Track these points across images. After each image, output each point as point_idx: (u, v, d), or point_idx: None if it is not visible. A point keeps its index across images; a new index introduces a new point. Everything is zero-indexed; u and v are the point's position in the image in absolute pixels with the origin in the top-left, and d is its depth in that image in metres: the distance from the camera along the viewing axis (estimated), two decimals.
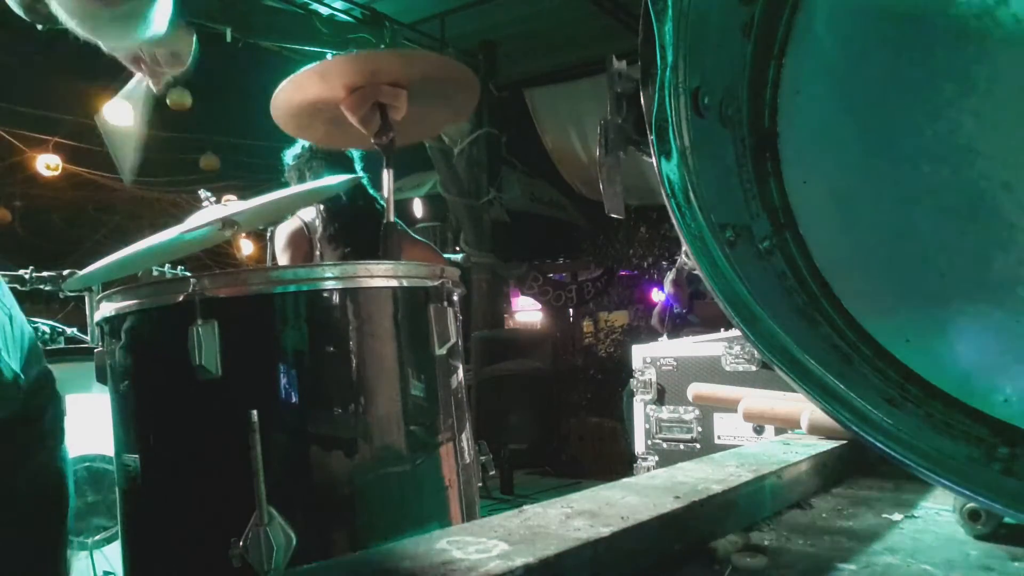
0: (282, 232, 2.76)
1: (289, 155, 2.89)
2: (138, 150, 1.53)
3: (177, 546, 1.29)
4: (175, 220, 1.72)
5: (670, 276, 4.40)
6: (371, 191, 2.82)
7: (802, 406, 1.18)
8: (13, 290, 2.45)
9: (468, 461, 1.46)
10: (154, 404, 1.32)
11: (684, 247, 0.74)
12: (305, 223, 2.76)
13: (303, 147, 2.82)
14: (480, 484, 1.54)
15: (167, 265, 2.61)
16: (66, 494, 1.27)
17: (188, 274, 2.44)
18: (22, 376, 1.16)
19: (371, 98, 1.92)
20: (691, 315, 4.35)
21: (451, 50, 6.14)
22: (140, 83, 1.46)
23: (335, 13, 5.55)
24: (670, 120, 0.70)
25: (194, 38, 1.39)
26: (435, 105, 2.10)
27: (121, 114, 1.53)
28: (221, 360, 1.19)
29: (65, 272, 2.58)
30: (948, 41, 0.69)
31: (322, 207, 2.73)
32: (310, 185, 2.50)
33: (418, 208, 9.59)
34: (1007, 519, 0.74)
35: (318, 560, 0.61)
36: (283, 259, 2.73)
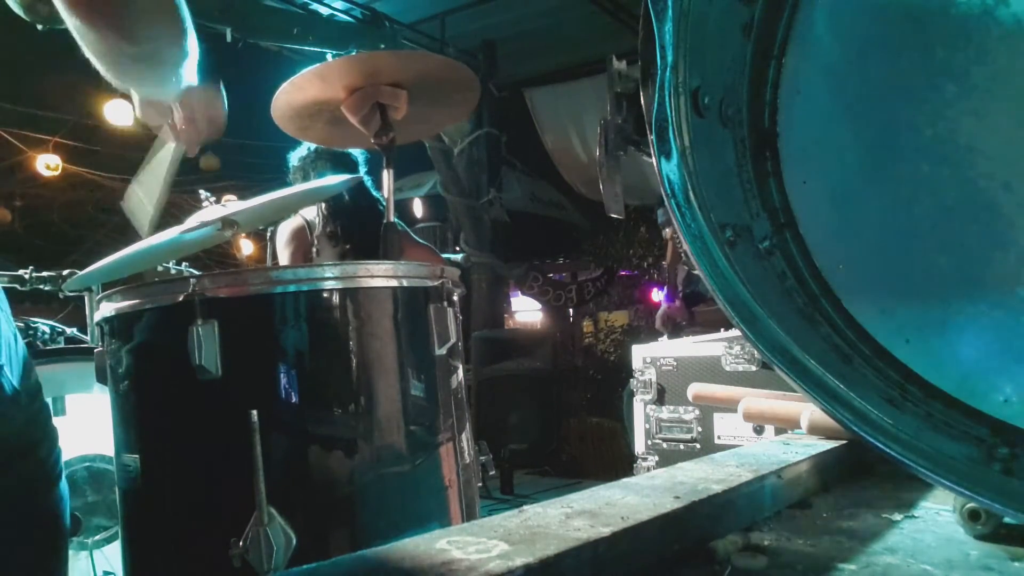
0: (284, 229, 2.77)
1: (294, 156, 2.90)
2: (159, 211, 1.54)
3: (177, 546, 1.29)
4: (175, 220, 1.72)
5: (662, 312, 4.36)
6: (374, 192, 2.83)
7: (802, 406, 1.17)
8: (13, 290, 2.46)
9: (468, 461, 1.46)
10: (154, 404, 1.32)
11: (684, 247, 0.74)
12: (307, 221, 2.76)
13: (308, 148, 2.83)
14: (480, 484, 1.54)
15: (171, 262, 2.61)
16: (63, 536, 1.27)
17: (192, 271, 2.44)
18: (22, 393, 1.16)
19: (371, 99, 1.92)
20: (694, 320, 4.34)
21: (451, 50, 6.14)
22: (169, 144, 1.46)
23: (335, 13, 5.55)
24: (670, 120, 0.70)
25: (224, 97, 1.39)
26: (435, 105, 2.10)
27: (152, 175, 1.53)
28: (221, 360, 1.19)
29: (65, 272, 2.58)
30: (948, 41, 0.69)
31: (323, 205, 2.74)
32: (309, 185, 2.50)
33: (418, 208, 9.59)
34: (1007, 519, 0.74)
35: (318, 560, 0.60)
36: (284, 256, 2.74)
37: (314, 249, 2.73)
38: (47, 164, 9.17)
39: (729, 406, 1.41)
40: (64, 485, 1.27)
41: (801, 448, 1.05)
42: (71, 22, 0.95)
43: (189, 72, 1.22)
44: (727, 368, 2.69)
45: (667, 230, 4.55)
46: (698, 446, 2.76)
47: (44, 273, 2.57)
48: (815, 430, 1.14)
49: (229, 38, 4.70)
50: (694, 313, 4.32)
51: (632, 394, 2.99)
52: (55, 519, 1.24)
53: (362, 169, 2.90)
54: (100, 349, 1.42)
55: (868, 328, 0.71)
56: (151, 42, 1.03)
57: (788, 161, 0.77)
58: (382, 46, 5.34)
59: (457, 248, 7.11)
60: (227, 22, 4.65)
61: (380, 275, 1.32)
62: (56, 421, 1.33)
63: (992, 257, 0.67)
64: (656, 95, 0.70)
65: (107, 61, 1.04)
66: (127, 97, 1.30)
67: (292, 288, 1.25)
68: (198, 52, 1.18)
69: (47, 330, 2.48)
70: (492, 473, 1.58)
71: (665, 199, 0.70)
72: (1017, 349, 0.65)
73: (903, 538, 0.79)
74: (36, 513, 1.21)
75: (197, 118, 1.36)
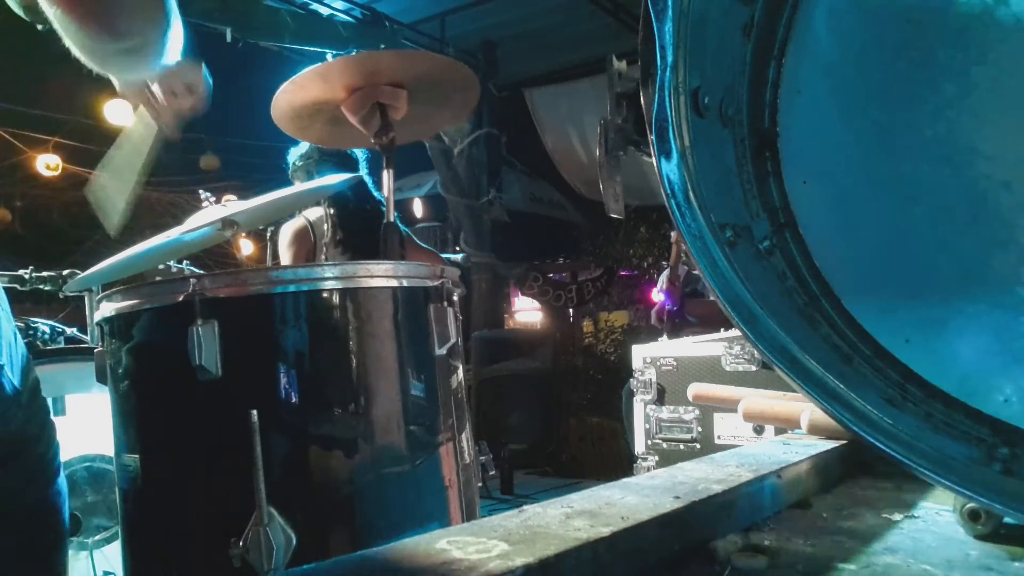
0: (286, 230, 2.76)
1: (294, 154, 2.89)
2: (130, 204, 1.49)
3: (177, 546, 1.29)
4: (175, 220, 1.72)
5: (665, 274, 4.43)
6: (375, 193, 2.83)
7: (802, 406, 1.17)
8: (13, 290, 2.46)
9: (468, 461, 1.46)
10: (154, 404, 1.32)
11: (684, 247, 0.74)
12: (310, 222, 2.76)
13: (309, 147, 2.82)
14: (480, 484, 1.54)
15: (172, 259, 2.61)
16: (62, 532, 1.27)
17: (194, 269, 2.44)
18: (23, 392, 1.16)
19: (371, 98, 1.92)
20: (688, 314, 4.37)
21: (451, 50, 6.14)
22: (148, 125, 1.42)
23: (335, 13, 5.55)
24: (670, 120, 0.70)
25: (204, 70, 1.36)
26: (435, 105, 2.10)
27: (124, 162, 1.48)
28: (221, 360, 1.19)
29: (65, 272, 2.58)
30: (948, 41, 0.69)
31: (332, 212, 2.73)
32: (309, 185, 2.50)
33: (418, 208, 9.59)
34: (1007, 519, 0.74)
35: (318, 560, 0.61)
36: (286, 257, 2.73)
37: (322, 256, 2.72)
38: (47, 164, 9.17)
39: (729, 406, 1.41)
40: (63, 481, 1.27)
41: (801, 448, 1.05)
42: (52, 13, 0.94)
43: (172, 55, 1.20)
44: (727, 368, 2.69)
45: (674, 232, 4.58)
46: (698, 446, 2.76)
47: (44, 273, 2.57)
48: (815, 430, 1.14)
49: (229, 38, 4.70)
50: (685, 302, 4.36)
51: (632, 394, 2.99)
52: (54, 515, 1.24)
53: (363, 169, 2.89)
54: (100, 349, 1.42)
55: (868, 328, 0.71)
56: (135, 37, 1.02)
57: (788, 161, 0.77)
58: (382, 46, 5.34)
59: (457, 248, 7.11)
60: (227, 22, 4.64)
61: (380, 275, 1.32)
62: (56, 421, 1.33)
63: (992, 257, 0.67)
64: (656, 95, 0.70)
65: (89, 54, 1.03)
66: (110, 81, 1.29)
67: (292, 288, 1.25)
68: (182, 35, 1.16)
69: (47, 330, 2.48)
70: (492, 473, 1.58)
71: (665, 199, 0.70)
72: (1017, 349, 0.65)
73: (903, 538, 0.79)
74: (35, 509, 1.21)
75: (177, 91, 1.33)
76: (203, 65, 1.35)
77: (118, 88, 1.33)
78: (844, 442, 1.09)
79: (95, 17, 0.95)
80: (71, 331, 2.56)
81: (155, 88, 1.32)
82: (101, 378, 1.41)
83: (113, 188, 1.48)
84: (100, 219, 1.51)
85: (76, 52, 1.03)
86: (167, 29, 1.06)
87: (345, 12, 5.58)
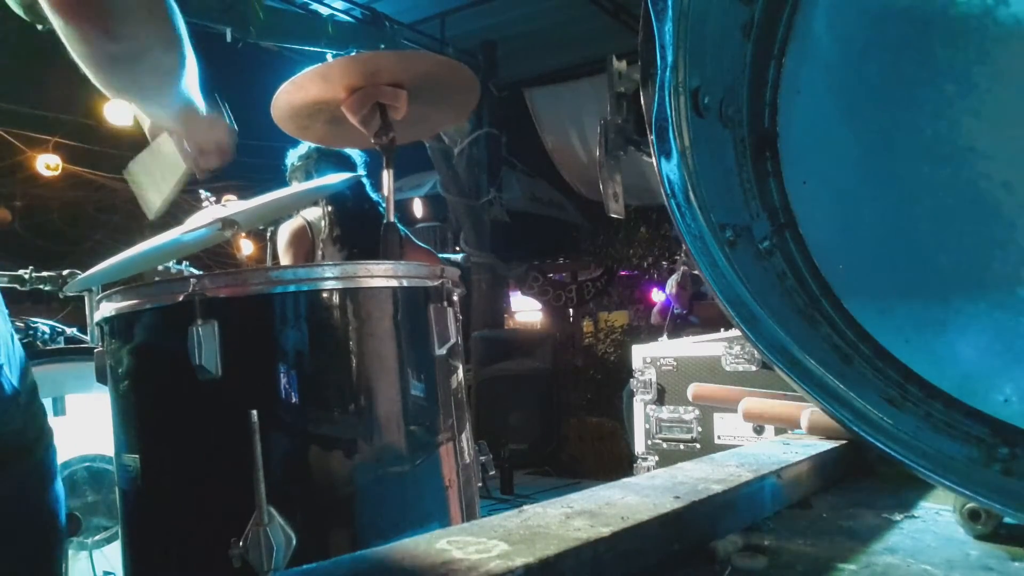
0: (285, 230, 2.76)
1: (294, 155, 2.89)
2: (167, 204, 1.50)
3: (177, 546, 1.29)
4: (175, 220, 1.72)
5: (675, 278, 4.42)
6: (373, 195, 2.83)
7: (802, 406, 1.18)
8: (12, 291, 2.46)
9: (468, 461, 1.46)
10: (154, 404, 1.32)
11: (684, 248, 0.74)
12: (309, 222, 2.76)
13: (309, 147, 2.82)
14: (480, 484, 1.54)
15: (172, 260, 2.61)
16: (59, 536, 1.27)
17: (193, 270, 2.44)
18: (21, 392, 1.16)
19: (371, 99, 1.92)
20: (691, 316, 4.37)
21: (451, 50, 6.14)
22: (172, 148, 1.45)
23: (335, 13, 5.55)
24: (670, 120, 0.70)
25: (231, 124, 1.40)
26: (435, 105, 2.10)
27: (161, 172, 1.49)
28: (221, 360, 1.19)
29: (65, 273, 2.58)
30: (948, 41, 0.69)
31: (330, 209, 2.73)
32: (308, 185, 2.50)
33: (418, 208, 9.59)
34: (1007, 519, 0.74)
35: (318, 560, 0.61)
36: (285, 257, 2.73)
37: (319, 254, 2.72)
38: (47, 164, 9.16)
39: (729, 406, 1.41)
40: (60, 485, 1.27)
41: (801, 448, 1.05)
42: (54, 19, 0.95)
43: (192, 88, 1.22)
44: (727, 368, 2.70)
45: None
46: (698, 446, 2.76)
47: (44, 273, 2.57)
48: (815, 430, 1.14)
49: (229, 38, 4.70)
50: (694, 305, 4.35)
51: (632, 394, 2.99)
52: (51, 519, 1.23)
53: (361, 170, 2.89)
54: (100, 349, 1.42)
55: (868, 328, 0.71)
56: (134, 40, 1.02)
57: (788, 161, 0.77)
58: (382, 46, 5.34)
59: (457, 248, 7.11)
60: (227, 22, 4.64)
61: (380, 275, 1.32)
62: (56, 421, 1.32)
63: (992, 257, 0.67)
64: (656, 95, 0.70)
65: (93, 63, 1.03)
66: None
67: (292, 288, 1.25)
68: (197, 69, 1.18)
69: (47, 330, 2.47)
70: (492, 473, 1.58)
71: (665, 199, 0.71)
72: (1017, 349, 0.65)
73: (903, 538, 0.79)
74: (32, 513, 1.20)
75: (207, 149, 1.38)
76: (228, 117, 1.39)
77: (149, 135, 1.36)
78: (844, 442, 1.09)
79: (91, 16, 0.95)
80: (71, 331, 2.56)
81: (186, 145, 1.36)
82: (101, 378, 1.41)
83: (150, 187, 1.51)
84: (140, 200, 1.53)
85: (85, 67, 1.03)
86: (173, 43, 1.06)
87: (345, 12, 5.58)
